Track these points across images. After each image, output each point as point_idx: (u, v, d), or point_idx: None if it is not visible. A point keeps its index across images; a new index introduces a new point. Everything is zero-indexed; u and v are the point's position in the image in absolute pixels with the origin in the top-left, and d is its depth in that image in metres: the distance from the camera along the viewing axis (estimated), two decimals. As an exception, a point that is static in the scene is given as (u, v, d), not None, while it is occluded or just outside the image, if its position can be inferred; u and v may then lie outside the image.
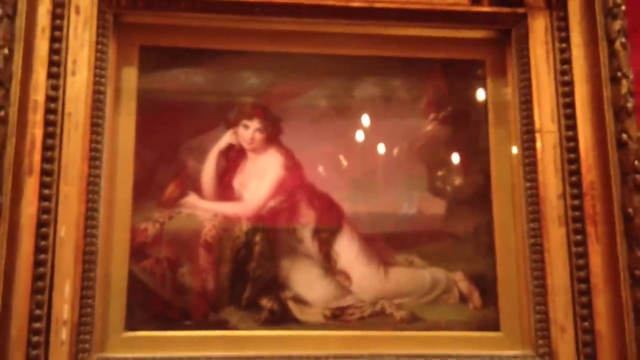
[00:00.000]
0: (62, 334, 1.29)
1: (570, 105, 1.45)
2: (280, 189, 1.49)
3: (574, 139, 1.44)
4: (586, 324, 1.37)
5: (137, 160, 1.45)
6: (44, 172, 1.33)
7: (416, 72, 1.57)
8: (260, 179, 1.49)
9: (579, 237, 1.40)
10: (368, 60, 1.56)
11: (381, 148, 1.53)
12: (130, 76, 1.48)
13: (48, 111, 1.35)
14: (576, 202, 1.41)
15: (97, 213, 1.37)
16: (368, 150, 1.53)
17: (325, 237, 1.48)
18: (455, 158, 1.54)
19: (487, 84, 1.56)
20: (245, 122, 1.51)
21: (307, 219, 1.49)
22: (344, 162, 1.52)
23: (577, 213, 1.41)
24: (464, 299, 1.47)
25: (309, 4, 1.46)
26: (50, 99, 1.35)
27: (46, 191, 1.32)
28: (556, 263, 1.40)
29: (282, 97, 1.53)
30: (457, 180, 1.53)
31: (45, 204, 1.32)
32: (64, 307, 1.29)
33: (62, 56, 1.38)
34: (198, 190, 1.47)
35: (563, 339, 1.37)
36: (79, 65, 1.38)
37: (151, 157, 1.47)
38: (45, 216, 1.31)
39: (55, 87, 1.36)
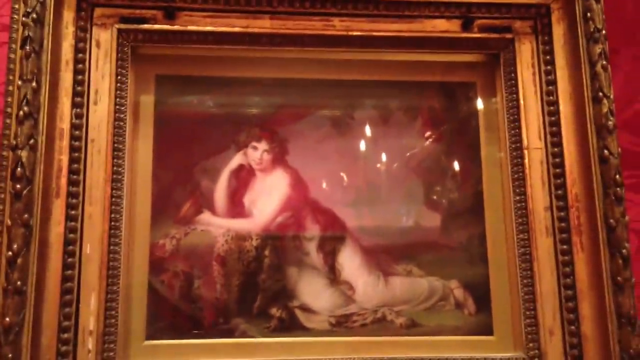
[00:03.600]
0: (88, 344, 1.35)
1: (556, 123, 1.50)
2: (287, 206, 1.55)
3: (560, 155, 1.49)
4: (573, 327, 1.42)
5: (155, 182, 1.51)
6: (70, 195, 1.39)
7: (412, 94, 1.62)
8: (269, 197, 1.55)
9: (565, 246, 1.45)
10: (367, 84, 1.61)
11: (381, 165, 1.59)
12: (148, 103, 1.54)
13: (73, 138, 1.41)
14: (562, 213, 1.47)
15: (119, 231, 1.42)
16: (368, 168, 1.59)
17: (330, 249, 1.54)
18: (450, 173, 1.60)
19: (478, 104, 1.62)
20: (254, 143, 1.57)
21: (312, 232, 1.54)
22: (346, 179, 1.58)
23: (563, 224, 1.46)
24: (459, 305, 1.52)
25: (312, 34, 1.52)
26: (74, 126, 1.41)
27: (72, 212, 1.38)
28: (544, 271, 1.45)
29: (288, 120, 1.59)
30: (452, 195, 1.59)
31: (72, 223, 1.38)
32: (90, 318, 1.35)
33: (85, 87, 1.43)
34: (211, 208, 1.53)
35: (551, 341, 1.42)
36: (101, 95, 1.44)
37: (168, 178, 1.52)
38: (71, 235, 1.37)
39: (79, 116, 1.42)
